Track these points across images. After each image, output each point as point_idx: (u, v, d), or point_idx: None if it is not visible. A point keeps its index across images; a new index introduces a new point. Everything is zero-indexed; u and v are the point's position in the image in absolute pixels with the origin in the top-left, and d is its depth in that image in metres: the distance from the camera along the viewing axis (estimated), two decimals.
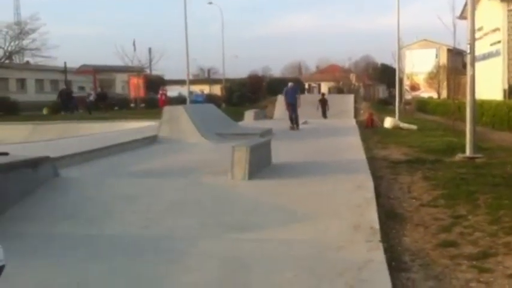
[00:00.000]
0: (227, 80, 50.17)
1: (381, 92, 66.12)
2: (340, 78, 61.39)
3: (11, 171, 6.69)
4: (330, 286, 4.15)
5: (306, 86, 61.04)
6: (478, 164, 9.78)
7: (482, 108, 20.12)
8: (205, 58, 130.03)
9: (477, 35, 17.71)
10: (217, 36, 61.57)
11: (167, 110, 15.43)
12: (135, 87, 39.95)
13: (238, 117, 23.07)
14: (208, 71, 77.93)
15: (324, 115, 26.78)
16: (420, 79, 50.43)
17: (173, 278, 4.43)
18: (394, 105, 27.93)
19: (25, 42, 45.00)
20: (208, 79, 72.37)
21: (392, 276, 4.26)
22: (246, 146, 8.00)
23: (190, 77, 37.38)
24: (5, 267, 2.66)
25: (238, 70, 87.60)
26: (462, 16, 22.74)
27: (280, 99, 22.31)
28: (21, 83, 51.11)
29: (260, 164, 8.39)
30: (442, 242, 5.27)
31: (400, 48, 29.07)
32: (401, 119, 22.60)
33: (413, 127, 19.67)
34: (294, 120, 19.15)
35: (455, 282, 4.27)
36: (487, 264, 4.59)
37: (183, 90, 41.47)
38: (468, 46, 10.94)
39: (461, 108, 18.73)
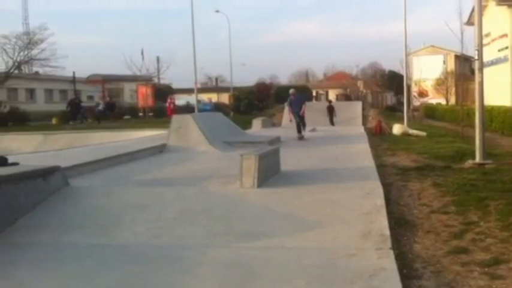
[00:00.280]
0: (235, 88, 50.25)
1: (389, 98, 66.04)
2: (347, 85, 61.30)
3: (22, 181, 6.73)
4: None
5: (314, 94, 60.96)
6: (487, 170, 9.72)
7: (491, 114, 20.03)
8: (212, 66, 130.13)
9: (485, 40, 17.68)
10: (224, 44, 61.87)
11: (175, 118, 15.47)
12: (143, 96, 40.10)
13: (246, 125, 23.10)
14: (216, 79, 78.29)
15: (331, 122, 26.76)
16: (428, 85, 50.31)
17: (184, 287, 4.44)
18: (402, 112, 27.85)
19: (34, 52, 45.34)
20: (216, 87, 72.65)
21: (404, 283, 4.25)
22: (254, 154, 8.01)
23: (198, 86, 37.46)
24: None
25: (246, 78, 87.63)
26: (469, 22, 22.71)
27: (287, 109, 20.42)
28: (31, 93, 51.54)
29: (269, 172, 8.39)
30: (453, 248, 5.24)
31: (407, 55, 29.05)
32: (409, 125, 22.53)
33: (422, 133, 19.53)
34: (302, 127, 18.22)
35: None
36: (499, 270, 4.57)
37: (191, 99, 41.60)
38: (476, 52, 10.90)
39: (470, 114, 18.69)
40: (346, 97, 55.85)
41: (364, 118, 29.97)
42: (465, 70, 43.88)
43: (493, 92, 24.61)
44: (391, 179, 9.13)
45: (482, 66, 10.92)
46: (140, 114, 38.94)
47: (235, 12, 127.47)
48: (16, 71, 44.69)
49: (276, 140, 15.76)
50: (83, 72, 48.33)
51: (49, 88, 53.27)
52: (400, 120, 25.18)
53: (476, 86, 10.87)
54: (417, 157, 12.15)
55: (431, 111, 37.98)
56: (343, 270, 4.57)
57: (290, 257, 5.08)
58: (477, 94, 10.83)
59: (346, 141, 16.21)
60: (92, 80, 45.47)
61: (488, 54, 26.17)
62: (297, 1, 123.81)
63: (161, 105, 41.69)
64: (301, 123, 18.34)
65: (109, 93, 45.58)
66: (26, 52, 44.60)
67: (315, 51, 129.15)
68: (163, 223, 6.28)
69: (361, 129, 22.82)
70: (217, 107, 42.19)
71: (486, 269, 4.60)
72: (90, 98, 49.92)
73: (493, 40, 28.99)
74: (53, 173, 7.53)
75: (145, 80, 45.08)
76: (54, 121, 34.03)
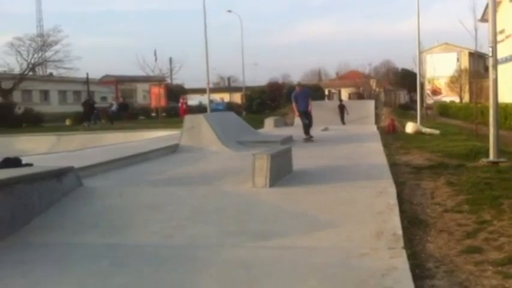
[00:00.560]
0: (247, 88, 50.32)
1: (402, 97, 65.70)
2: (360, 84, 61.03)
3: (36, 182, 6.80)
4: None
5: (326, 92, 60.77)
6: (502, 168, 9.64)
7: (505, 112, 19.87)
8: (225, 66, 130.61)
9: (499, 37, 17.48)
10: (236, 44, 61.82)
11: (188, 118, 15.51)
12: (156, 97, 40.35)
13: (259, 124, 23.11)
14: (228, 79, 78.41)
15: (342, 121, 26.68)
16: (442, 83, 50.02)
17: (197, 286, 4.46)
18: (416, 110, 27.71)
19: (48, 54, 45.89)
20: (228, 87, 72.77)
21: (416, 283, 4.23)
22: (266, 154, 8.01)
23: (211, 86, 37.61)
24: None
25: (258, 78, 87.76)
26: (483, 19, 22.58)
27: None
28: (45, 94, 52.06)
29: (281, 171, 8.40)
30: (466, 248, 5.21)
31: (420, 53, 28.89)
32: (423, 123, 22.42)
33: (436, 132, 19.40)
34: (309, 128, 16.78)
35: None
36: None
37: (203, 99, 41.75)
38: (490, 49, 10.82)
39: (483, 112, 18.53)
40: (359, 96, 55.70)
41: (377, 117, 29.85)
42: (479, 67, 43.55)
43: (508, 89, 24.35)
44: (404, 178, 9.09)
45: (496, 63, 10.83)
46: (153, 114, 39.17)
47: (248, 12, 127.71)
48: (30, 73, 45.21)
49: (288, 140, 15.74)
50: (96, 74, 48.78)
51: (63, 89, 53.80)
52: (413, 118, 25.05)
53: (490, 83, 10.78)
54: (430, 155, 12.08)
55: (444, 110, 37.75)
56: (356, 270, 4.57)
57: (302, 256, 5.08)
58: (491, 91, 10.74)
59: (358, 140, 16.16)
60: (105, 81, 45.81)
61: (503, 51, 25.90)
62: (310, 0, 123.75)
63: (174, 105, 41.90)
64: (307, 124, 16.71)
65: (122, 94, 45.92)
66: (40, 54, 45.19)
67: (327, 50, 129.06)
68: (176, 223, 6.31)
69: (374, 128, 22.74)
70: (230, 107, 42.27)
71: (499, 268, 4.57)
72: (104, 99, 50.35)
73: (507, 37, 28.70)
74: (66, 173, 7.60)
75: (158, 80, 45.27)
76: (68, 122, 34.35)
